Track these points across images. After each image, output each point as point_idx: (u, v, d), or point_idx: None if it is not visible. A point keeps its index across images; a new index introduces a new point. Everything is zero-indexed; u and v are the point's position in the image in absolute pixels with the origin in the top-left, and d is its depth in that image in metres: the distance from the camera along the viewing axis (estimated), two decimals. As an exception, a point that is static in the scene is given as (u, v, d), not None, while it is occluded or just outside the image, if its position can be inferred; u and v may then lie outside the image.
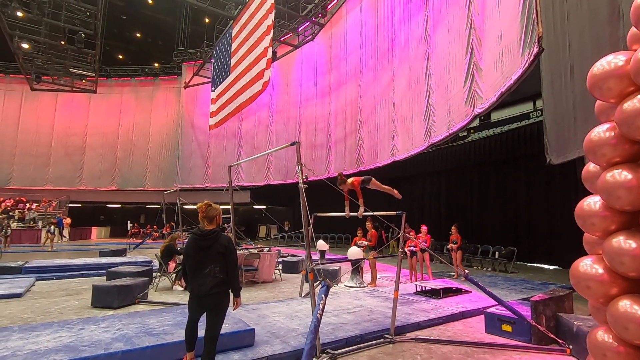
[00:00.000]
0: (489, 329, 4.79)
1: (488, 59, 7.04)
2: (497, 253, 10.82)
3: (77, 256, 12.22)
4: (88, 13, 14.68)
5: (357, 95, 14.42)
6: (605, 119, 2.08)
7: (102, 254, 11.88)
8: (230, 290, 3.04)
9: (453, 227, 8.92)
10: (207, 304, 2.96)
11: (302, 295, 6.77)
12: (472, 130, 16.39)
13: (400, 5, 12.05)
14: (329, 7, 16.14)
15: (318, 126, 17.03)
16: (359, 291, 7.22)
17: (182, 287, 7.32)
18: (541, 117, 8.89)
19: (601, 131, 1.99)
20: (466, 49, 7.94)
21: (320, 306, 2.96)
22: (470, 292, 7.01)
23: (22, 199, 22.08)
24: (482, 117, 16.85)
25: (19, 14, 14.24)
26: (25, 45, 16.66)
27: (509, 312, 4.51)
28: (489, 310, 4.99)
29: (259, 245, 9.41)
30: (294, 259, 10.19)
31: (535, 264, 11.53)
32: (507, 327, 4.59)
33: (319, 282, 3.41)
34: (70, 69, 19.11)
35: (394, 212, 5.04)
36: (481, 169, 14.31)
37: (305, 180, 4.18)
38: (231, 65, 14.50)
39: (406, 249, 8.50)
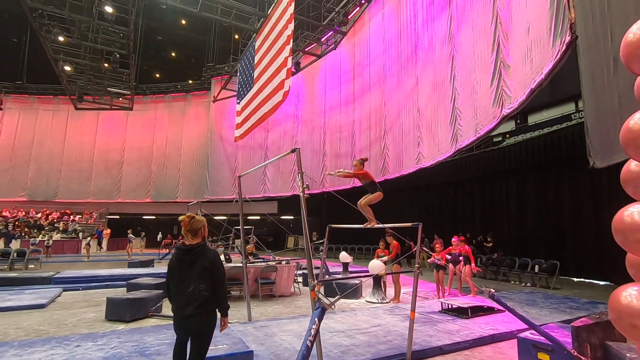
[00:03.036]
0: (523, 357, 4.19)
1: (516, 54, 6.46)
2: (537, 267, 9.86)
3: (111, 266, 12.65)
4: (122, 35, 15.48)
5: (381, 101, 14.03)
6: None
7: (131, 264, 12.19)
8: (217, 310, 2.79)
9: (454, 239, 8.05)
10: (191, 326, 2.68)
11: (318, 311, 6.42)
12: (507, 135, 15.43)
13: (423, 8, 11.63)
14: (350, 15, 15.98)
15: (342, 135, 16.76)
16: (379, 308, 6.75)
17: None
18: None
19: (642, 119, 1.53)
20: (492, 46, 7.37)
21: (312, 331, 2.62)
22: (504, 311, 6.32)
23: (66, 211, 23.51)
24: (519, 121, 15.86)
25: (61, 38, 15.30)
26: (68, 68, 17.87)
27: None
28: (522, 334, 4.39)
29: (277, 257, 9.18)
30: (316, 271, 9.85)
31: (583, 279, 10.41)
32: (543, 356, 3.98)
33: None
34: (109, 88, 20.25)
35: (410, 224, 4.61)
36: (518, 175, 13.33)
37: (306, 189, 3.89)
38: (254, 77, 14.65)
39: (431, 261, 7.90)
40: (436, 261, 7.91)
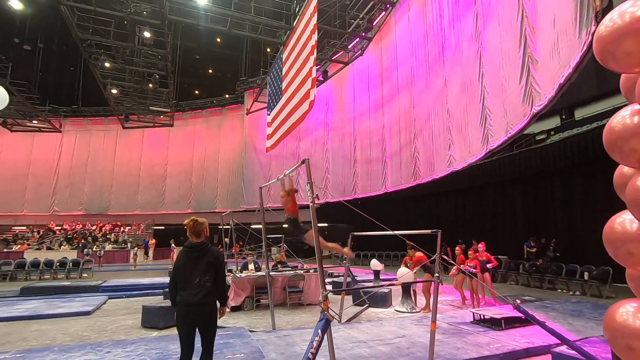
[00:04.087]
0: (557, 374, 3.88)
1: (543, 47, 6.07)
2: (586, 274, 9.08)
3: (155, 275, 13.42)
4: (160, 57, 16.54)
5: (410, 105, 13.76)
6: (635, 98, 1.46)
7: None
8: (217, 300, 3.13)
9: (481, 245, 7.62)
10: (197, 314, 2.97)
11: (343, 321, 6.36)
12: (551, 132, 14.50)
13: (448, 7, 11.32)
14: (375, 21, 15.91)
15: (373, 140, 16.61)
16: (407, 317, 6.54)
17: (228, 308, 7.43)
18: None
19: (626, 116, 1.38)
20: (519, 41, 6.98)
21: (314, 344, 2.61)
22: (544, 322, 5.87)
23: (117, 223, 25.29)
24: (564, 116, 14.84)
25: (107, 64, 16.66)
26: (114, 91, 19.37)
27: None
28: (557, 349, 4.08)
29: (305, 266, 9.23)
30: (340, 279, 9.79)
31: (642, 288, 9.41)
32: (579, 374, 3.66)
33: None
34: (151, 107, 21.67)
35: (429, 231, 4.46)
36: (564, 175, 12.40)
37: (316, 199, 3.90)
38: (282, 89, 14.99)
39: (463, 269, 7.55)
40: (470, 269, 7.57)
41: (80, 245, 19.73)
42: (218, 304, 3.16)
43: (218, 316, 3.13)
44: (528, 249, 11.84)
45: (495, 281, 11.30)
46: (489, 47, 8.67)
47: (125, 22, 13.73)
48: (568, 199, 12.07)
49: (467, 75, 9.89)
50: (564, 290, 9.57)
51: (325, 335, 2.87)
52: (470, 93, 9.70)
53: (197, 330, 3.03)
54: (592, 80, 12.52)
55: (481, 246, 7.49)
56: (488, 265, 7.53)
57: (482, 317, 5.95)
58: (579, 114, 14.16)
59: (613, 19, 1.37)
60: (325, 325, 2.78)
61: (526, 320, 5.91)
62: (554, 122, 14.76)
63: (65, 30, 15.22)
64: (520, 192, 13.97)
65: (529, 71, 6.58)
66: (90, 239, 21.83)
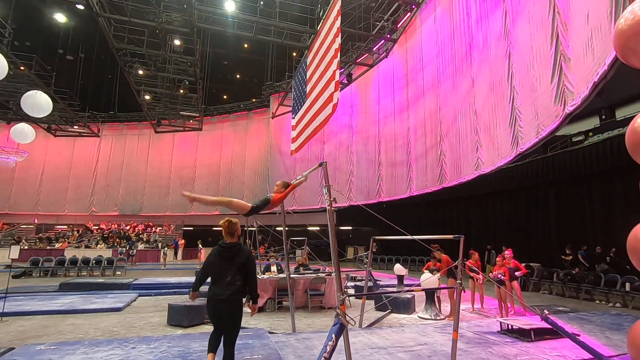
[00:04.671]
0: (590, 391, 3.64)
1: (576, 45, 5.74)
2: (627, 284, 8.48)
3: (183, 275, 13.84)
4: (189, 64, 17.15)
5: (436, 106, 13.46)
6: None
7: (198, 273, 13.17)
8: (246, 298, 3.44)
9: (508, 252, 7.29)
10: (224, 309, 3.24)
11: (363, 325, 6.29)
12: (590, 133, 13.76)
13: (476, 5, 11.00)
14: (400, 22, 15.73)
15: (397, 143, 16.38)
16: (430, 325, 6.38)
17: (250, 308, 7.54)
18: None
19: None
20: (551, 38, 6.65)
21: (328, 348, 2.59)
22: (579, 334, 5.54)
23: (149, 224, 26.35)
24: (604, 116, 14.05)
25: (141, 72, 17.46)
26: (147, 97, 20.26)
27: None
28: (590, 365, 3.82)
29: (327, 269, 9.20)
30: (369, 283, 9.67)
31: (693, 301, 8.67)
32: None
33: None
34: (181, 112, 22.48)
35: (451, 236, 4.33)
36: (603, 178, 11.70)
37: (339, 202, 3.89)
38: (307, 92, 15.10)
39: (491, 276, 7.28)
40: (499, 276, 7.28)
41: (129, 243, 20.76)
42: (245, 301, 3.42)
43: (250, 314, 3.41)
44: (563, 257, 11.21)
45: (526, 290, 10.80)
46: (518, 46, 8.33)
47: (158, 31, 14.34)
48: (607, 204, 11.36)
49: (496, 75, 9.55)
50: (603, 302, 8.99)
51: (343, 340, 2.87)
52: (499, 93, 9.35)
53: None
54: (635, 78, 11.75)
55: (508, 253, 7.19)
56: (517, 273, 7.22)
57: (509, 327, 5.70)
58: (621, 113, 13.36)
59: (634, 11, 1.25)
60: (340, 329, 2.76)
61: (558, 333, 5.62)
62: (593, 122, 14.00)
63: (103, 41, 16.11)
64: (554, 196, 13.30)
65: (561, 70, 6.25)
66: (134, 238, 22.92)
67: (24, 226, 25.07)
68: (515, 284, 7.10)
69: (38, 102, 11.86)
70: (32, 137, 14.11)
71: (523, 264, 7.78)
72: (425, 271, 7.62)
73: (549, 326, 5.71)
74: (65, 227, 25.21)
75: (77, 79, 23.62)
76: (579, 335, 5.50)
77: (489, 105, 9.90)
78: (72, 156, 27.25)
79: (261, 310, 7.61)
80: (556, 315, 7.01)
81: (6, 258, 15.88)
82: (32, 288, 9.63)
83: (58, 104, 19.88)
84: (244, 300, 3.40)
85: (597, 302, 9.11)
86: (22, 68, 17.22)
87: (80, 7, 18.59)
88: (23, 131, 13.62)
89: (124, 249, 18.52)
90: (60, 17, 20.90)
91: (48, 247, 19.88)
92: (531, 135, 7.69)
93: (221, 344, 3.35)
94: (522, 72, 8.12)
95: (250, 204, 3.68)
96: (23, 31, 20.37)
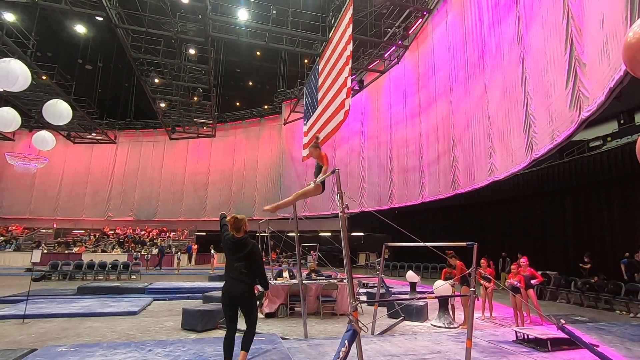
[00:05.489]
0: (609, 404, 3.55)
1: (591, 50, 5.67)
2: (649, 294, 8.23)
3: (196, 279, 14.01)
4: (203, 72, 17.52)
5: (449, 112, 13.39)
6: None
7: (212, 278, 13.32)
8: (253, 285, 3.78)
9: (523, 259, 7.16)
10: (235, 292, 3.61)
11: (376, 332, 6.26)
12: (608, 138, 13.49)
13: (488, 11, 10.97)
14: (411, 28, 15.75)
15: (409, 149, 16.32)
16: (444, 333, 6.30)
17: (263, 314, 7.59)
18: None
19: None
20: (565, 44, 6.59)
21: (341, 354, 2.61)
22: (598, 345, 5.40)
23: (163, 229, 26.77)
24: (622, 120, 13.75)
25: (156, 80, 17.91)
26: (162, 105, 20.74)
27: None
28: (609, 377, 3.73)
29: (338, 275, 9.19)
30: (381, 290, 9.61)
31: None
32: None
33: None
34: (195, 119, 22.91)
35: (464, 243, 4.30)
36: (623, 184, 11.44)
37: (351, 208, 3.93)
38: (318, 99, 15.23)
39: (507, 284, 7.16)
40: (515, 284, 7.16)
41: (161, 246, 21.15)
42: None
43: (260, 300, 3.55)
44: (581, 265, 10.94)
45: (543, 299, 10.56)
46: (532, 51, 8.26)
47: (173, 41, 14.73)
48: (627, 210, 11.08)
49: (509, 80, 9.47)
50: (624, 312, 8.73)
51: (355, 347, 2.88)
52: (512, 99, 9.27)
53: (238, 309, 3.71)
54: (655, 82, 11.50)
55: (524, 260, 7.07)
56: (533, 281, 7.09)
57: (525, 336, 5.59)
58: (640, 118, 13.06)
59: (643, 26, 1.28)
60: (352, 336, 2.78)
61: (576, 343, 5.48)
62: (611, 127, 13.71)
63: (121, 51, 16.61)
64: (570, 202, 13.04)
65: (576, 75, 6.17)
66: (163, 243, 23.35)
67: (44, 231, 25.79)
68: (531, 292, 6.97)
69: (59, 110, 12.29)
70: (53, 144, 14.61)
71: (539, 272, 7.64)
72: (442, 280, 7.52)
73: (566, 336, 5.59)
74: (83, 231, 25.83)
75: (95, 88, 24.35)
76: (597, 346, 5.36)
77: (503, 110, 9.81)
78: (90, 162, 27.98)
79: (273, 315, 7.65)
80: (574, 325, 6.83)
81: (26, 261, 16.37)
82: (52, 291, 9.88)
83: (77, 112, 20.53)
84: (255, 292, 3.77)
85: (618, 312, 8.85)
86: (44, 77, 17.88)
87: (100, 18, 19.22)
88: (44, 138, 14.11)
89: (140, 253, 18.82)
90: (80, 29, 21.65)
91: (66, 251, 20.39)
92: (546, 141, 7.59)
93: (236, 347, 3.44)
94: (536, 78, 8.05)
95: (312, 185, 4.36)
96: (45, 42, 21.16)
